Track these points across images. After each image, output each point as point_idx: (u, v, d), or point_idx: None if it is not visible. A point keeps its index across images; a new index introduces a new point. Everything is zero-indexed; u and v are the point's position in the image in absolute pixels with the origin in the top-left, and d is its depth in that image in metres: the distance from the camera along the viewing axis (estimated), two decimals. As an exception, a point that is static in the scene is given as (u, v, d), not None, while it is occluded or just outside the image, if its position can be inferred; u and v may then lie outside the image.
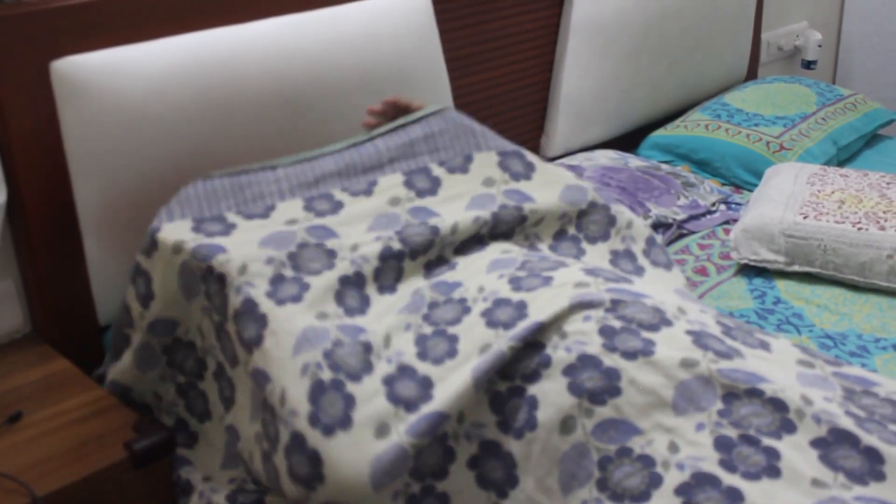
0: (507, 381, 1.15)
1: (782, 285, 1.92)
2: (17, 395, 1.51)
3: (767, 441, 1.05)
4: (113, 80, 1.61)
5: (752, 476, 1.02)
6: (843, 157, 2.61)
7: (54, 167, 1.61)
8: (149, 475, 1.37)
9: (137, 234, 1.69)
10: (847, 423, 1.05)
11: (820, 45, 3.37)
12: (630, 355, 1.13)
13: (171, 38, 1.70)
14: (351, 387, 1.14)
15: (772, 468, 1.02)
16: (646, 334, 1.16)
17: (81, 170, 1.62)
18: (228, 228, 1.38)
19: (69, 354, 1.64)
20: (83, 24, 1.62)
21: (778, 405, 1.07)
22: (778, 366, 1.15)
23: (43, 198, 1.62)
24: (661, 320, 1.18)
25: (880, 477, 1.01)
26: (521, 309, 1.19)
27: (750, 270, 1.98)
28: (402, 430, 1.10)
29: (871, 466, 1.01)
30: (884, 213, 1.95)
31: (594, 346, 1.16)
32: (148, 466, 1.36)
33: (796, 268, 1.94)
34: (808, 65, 3.39)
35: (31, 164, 1.59)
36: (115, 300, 1.71)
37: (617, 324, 1.18)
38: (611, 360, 1.13)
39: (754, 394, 1.08)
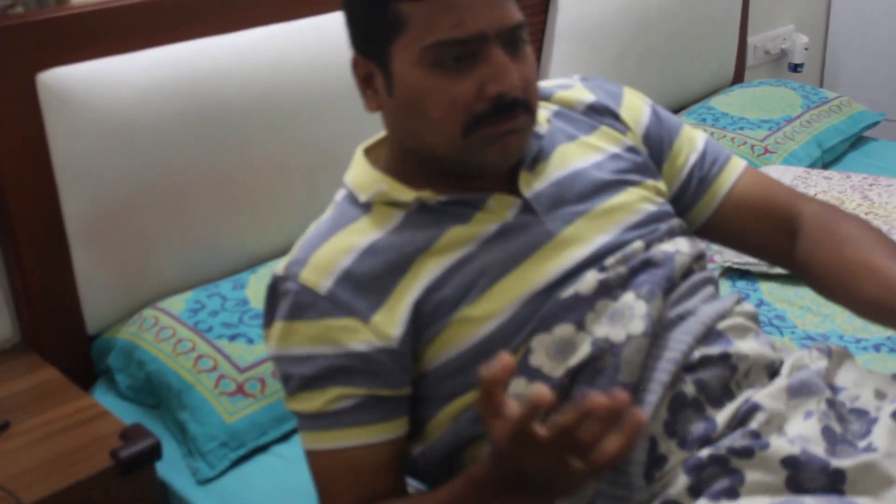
0: None
1: (765, 287, 1.94)
2: (6, 405, 1.52)
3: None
4: (99, 91, 1.63)
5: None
6: (828, 159, 2.63)
7: (41, 178, 1.62)
8: (135, 482, 1.38)
9: (125, 243, 1.71)
10: None
11: (807, 49, 3.39)
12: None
13: (157, 48, 1.71)
14: None
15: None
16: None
17: (68, 180, 1.63)
18: None
19: (58, 364, 1.66)
20: (69, 36, 1.64)
21: None
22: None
23: (31, 208, 1.63)
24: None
25: None
26: None
27: (733, 273, 2.00)
28: None
29: None
30: (865, 214, 1.97)
31: None
32: (134, 473, 1.37)
33: (779, 270, 1.95)
34: (795, 68, 3.41)
35: (19, 175, 1.61)
36: (104, 309, 1.73)
37: None
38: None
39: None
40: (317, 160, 1.91)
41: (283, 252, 1.87)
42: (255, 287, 1.73)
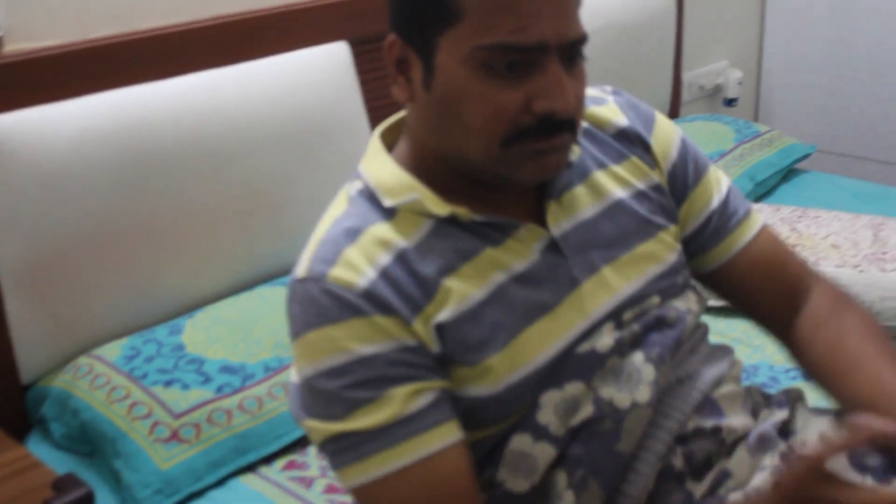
0: None
1: (699, 320, 1.97)
2: (-64, 458, 1.50)
3: None
4: (31, 139, 1.63)
5: None
6: (761, 192, 2.68)
7: (-28, 228, 1.62)
8: (68, 533, 1.37)
9: (59, 291, 1.70)
10: None
11: (740, 83, 3.47)
12: None
13: (88, 97, 1.72)
14: None
15: None
16: None
17: (0, 229, 1.62)
18: None
19: (-9, 414, 1.64)
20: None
21: None
22: None
23: (-38, 258, 1.62)
24: None
25: None
26: None
27: (668, 306, 2.03)
28: None
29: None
30: (794, 246, 2.01)
31: None
32: (66, 524, 1.36)
33: (712, 302, 1.98)
34: (730, 102, 3.48)
35: (-51, 225, 1.60)
36: (38, 358, 1.71)
37: None
38: None
39: None
40: (250, 204, 1.92)
41: (219, 296, 1.89)
42: (191, 332, 1.73)
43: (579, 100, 1.02)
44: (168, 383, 1.61)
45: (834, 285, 1.27)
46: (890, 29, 3.22)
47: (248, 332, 1.73)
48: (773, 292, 1.25)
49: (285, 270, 1.98)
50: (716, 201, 1.24)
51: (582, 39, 1.00)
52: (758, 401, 1.20)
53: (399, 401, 0.97)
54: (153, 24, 1.86)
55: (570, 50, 0.99)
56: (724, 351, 1.20)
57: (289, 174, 1.97)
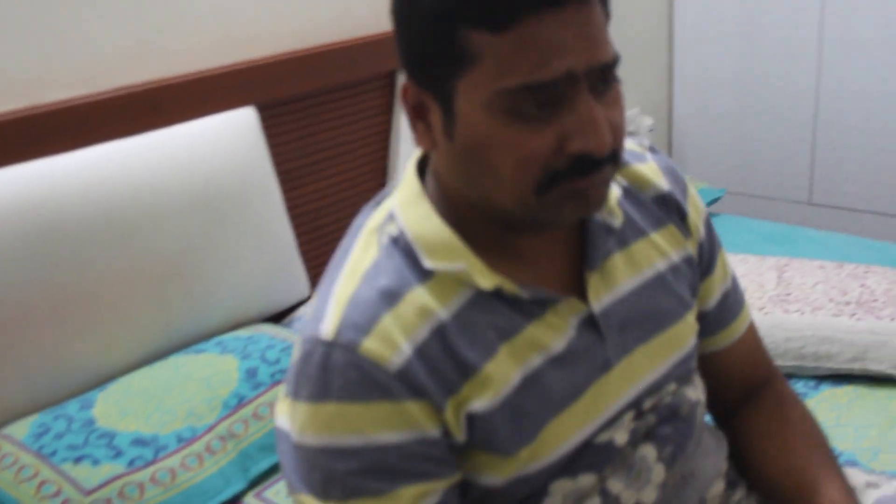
0: None
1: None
2: None
3: None
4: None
5: None
6: (673, 237, 2.73)
7: None
8: None
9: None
10: None
11: (652, 130, 3.55)
12: None
13: (-8, 172, 1.71)
14: None
15: None
16: None
17: None
18: None
19: None
20: None
21: None
22: None
23: None
24: None
25: None
26: None
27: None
28: None
29: None
30: (701, 291, 2.07)
31: None
32: None
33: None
34: (643, 149, 3.56)
35: None
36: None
37: None
38: None
39: None
40: (162, 273, 1.90)
41: (132, 367, 1.86)
42: (103, 406, 1.71)
43: (617, 128, 0.92)
44: (78, 459, 1.59)
45: (785, 384, 1.25)
46: (794, 74, 3.32)
47: (160, 402, 1.72)
48: (736, 384, 1.23)
49: (198, 338, 1.98)
50: (724, 288, 1.19)
51: (613, 63, 0.90)
52: (729, 480, 1.19)
53: (404, 502, 0.91)
54: (56, 97, 1.85)
55: (602, 75, 0.89)
56: (718, 440, 1.18)
57: (200, 241, 1.96)
